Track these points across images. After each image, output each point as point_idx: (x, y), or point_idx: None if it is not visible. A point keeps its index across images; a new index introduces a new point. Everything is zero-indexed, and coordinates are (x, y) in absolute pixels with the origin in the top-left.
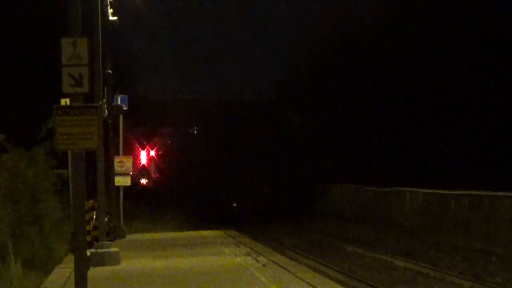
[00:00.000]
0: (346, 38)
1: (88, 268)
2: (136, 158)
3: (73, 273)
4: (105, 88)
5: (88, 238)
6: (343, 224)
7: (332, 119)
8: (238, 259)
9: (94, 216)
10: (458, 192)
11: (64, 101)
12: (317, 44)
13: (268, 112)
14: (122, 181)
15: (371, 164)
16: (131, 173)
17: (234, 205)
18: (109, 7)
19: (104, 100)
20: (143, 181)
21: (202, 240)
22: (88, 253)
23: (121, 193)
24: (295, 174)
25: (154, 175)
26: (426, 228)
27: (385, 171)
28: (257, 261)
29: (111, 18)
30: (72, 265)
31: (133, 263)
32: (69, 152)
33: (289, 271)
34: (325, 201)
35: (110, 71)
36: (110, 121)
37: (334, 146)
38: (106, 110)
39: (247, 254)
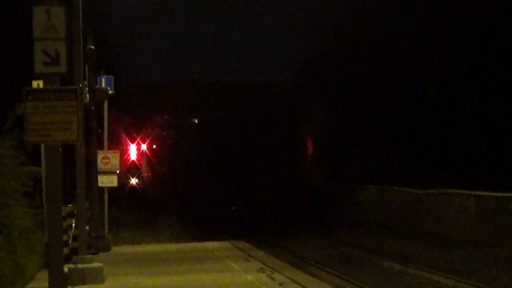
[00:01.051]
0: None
1: None
2: (124, 153)
3: None
4: (87, 67)
5: (66, 250)
6: (375, 234)
7: (361, 108)
8: (249, 277)
9: (73, 224)
10: None
11: (37, 83)
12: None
13: (283, 98)
14: (107, 181)
15: (404, 162)
16: (118, 171)
17: (233, 208)
18: None
19: (86, 82)
20: (133, 181)
21: (205, 254)
22: (66, 269)
23: (106, 196)
24: (313, 173)
25: (146, 174)
26: (480, 238)
27: (424, 170)
28: (273, 279)
29: None
30: (46, 283)
31: (120, 282)
32: (42, 146)
33: None
34: (351, 206)
35: (92, 47)
36: (92, 107)
37: (362, 140)
38: (87, 95)
39: (260, 270)
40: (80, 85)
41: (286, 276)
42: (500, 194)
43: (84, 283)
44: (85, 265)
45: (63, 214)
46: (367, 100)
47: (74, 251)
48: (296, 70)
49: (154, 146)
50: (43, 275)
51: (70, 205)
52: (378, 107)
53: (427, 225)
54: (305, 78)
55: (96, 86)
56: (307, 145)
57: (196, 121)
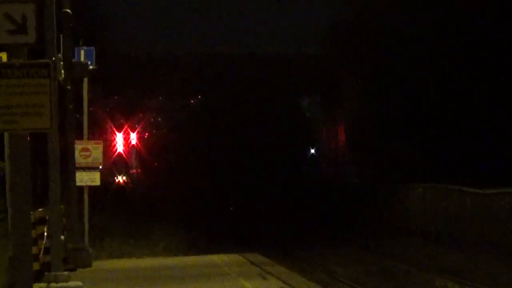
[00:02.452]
0: None
1: None
2: (110, 144)
3: None
4: (62, 37)
5: (36, 266)
6: (424, 244)
7: (406, 89)
8: None
9: (45, 233)
10: None
11: None
12: None
13: (308, 74)
14: (88, 179)
15: (462, 156)
16: (101, 167)
17: (231, 208)
18: None
19: (60, 55)
20: (119, 178)
21: (211, 270)
22: None
23: (86, 198)
24: (346, 169)
25: (136, 170)
26: None
27: (486, 166)
28: None
29: None
30: None
31: None
32: (6, 136)
33: None
34: (393, 209)
35: (68, 11)
36: (69, 87)
37: (407, 129)
38: (62, 71)
39: None
40: (54, 58)
41: None
42: None
43: None
44: (61, 285)
45: (32, 220)
46: (415, 80)
47: (47, 267)
48: (325, 43)
49: (146, 135)
50: None
51: (41, 210)
52: (429, 88)
53: (490, 233)
54: (338, 52)
55: (74, 60)
56: (338, 134)
57: (200, 104)
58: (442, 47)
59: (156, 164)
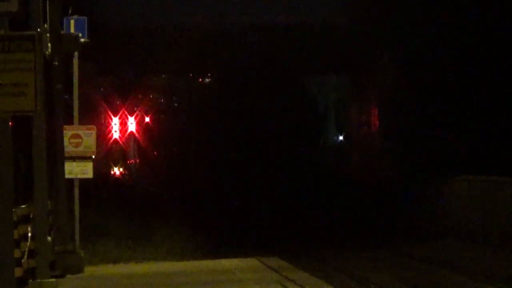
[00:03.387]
0: None
1: None
2: (104, 130)
3: None
4: (48, 4)
5: (18, 272)
6: (470, 247)
7: (452, 65)
8: None
9: (29, 234)
10: None
11: None
12: None
13: (336, 47)
14: (79, 170)
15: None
16: (94, 156)
17: (236, 203)
18: None
19: (46, 25)
20: (116, 170)
21: (222, 276)
22: None
23: (77, 192)
24: (378, 159)
25: (134, 160)
26: None
27: None
28: None
29: None
30: None
31: None
32: None
33: None
34: (433, 206)
35: None
36: (56, 62)
37: (450, 110)
38: (49, 44)
39: None
40: (39, 29)
41: None
42: None
43: None
44: None
45: (14, 218)
46: (464, 55)
47: (31, 273)
48: (355, 12)
49: (147, 120)
50: None
51: (24, 206)
52: (482, 64)
53: None
54: (370, 23)
55: (62, 32)
56: (370, 119)
57: (209, 83)
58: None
59: (158, 153)
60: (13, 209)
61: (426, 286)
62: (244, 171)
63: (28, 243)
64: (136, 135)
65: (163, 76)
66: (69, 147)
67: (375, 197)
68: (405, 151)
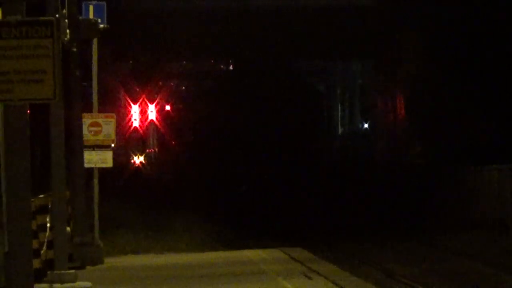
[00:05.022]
0: None
1: None
2: (124, 118)
3: None
4: None
5: (36, 263)
6: (501, 239)
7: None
8: None
9: (48, 224)
10: None
11: None
12: None
13: (361, 28)
14: (98, 159)
15: None
16: (113, 145)
17: (243, 187)
18: None
19: (64, 11)
20: (136, 159)
21: (244, 268)
22: None
23: (96, 182)
24: (406, 146)
25: (154, 149)
26: None
27: None
28: None
29: None
30: None
31: None
32: (0, 107)
33: None
34: (464, 196)
35: None
36: (74, 49)
37: (482, 95)
38: (68, 30)
39: None
40: (57, 15)
41: None
42: None
43: None
44: (66, 285)
45: (32, 209)
46: (496, 37)
47: (49, 264)
48: None
49: (168, 108)
50: None
51: (42, 196)
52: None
53: None
54: (398, 3)
55: (81, 18)
56: (397, 105)
57: (232, 69)
58: None
59: (178, 142)
60: (31, 200)
61: (456, 278)
62: (267, 160)
63: (47, 234)
64: (157, 123)
65: (184, 62)
66: (88, 136)
67: (401, 186)
68: (433, 138)
